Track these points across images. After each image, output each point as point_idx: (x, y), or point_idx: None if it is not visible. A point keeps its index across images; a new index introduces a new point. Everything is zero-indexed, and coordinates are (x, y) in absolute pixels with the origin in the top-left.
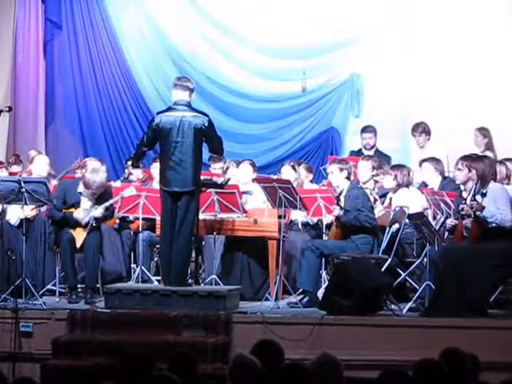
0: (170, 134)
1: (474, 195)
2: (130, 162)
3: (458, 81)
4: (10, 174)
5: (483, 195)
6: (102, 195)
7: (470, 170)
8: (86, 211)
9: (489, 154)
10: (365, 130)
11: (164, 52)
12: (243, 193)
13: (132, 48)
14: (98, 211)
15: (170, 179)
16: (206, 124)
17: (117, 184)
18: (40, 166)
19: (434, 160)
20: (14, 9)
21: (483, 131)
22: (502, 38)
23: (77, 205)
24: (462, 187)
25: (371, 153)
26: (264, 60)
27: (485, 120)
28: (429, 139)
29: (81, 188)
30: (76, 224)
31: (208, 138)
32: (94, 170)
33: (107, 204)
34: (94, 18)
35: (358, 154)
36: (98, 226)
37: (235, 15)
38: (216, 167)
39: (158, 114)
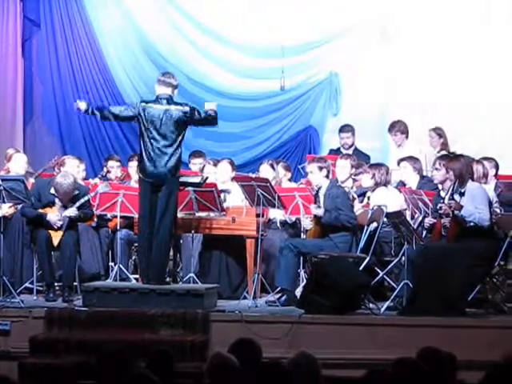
0: (153, 125)
1: (451, 194)
2: (82, 105)
3: (436, 79)
4: None
5: (461, 194)
6: (76, 196)
7: (447, 171)
8: (60, 209)
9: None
10: (342, 129)
11: (142, 50)
12: (222, 191)
13: (110, 46)
14: (71, 211)
15: (151, 170)
16: (188, 111)
17: (95, 181)
18: (18, 165)
19: (412, 159)
20: None
21: (438, 131)
22: (479, 37)
23: (51, 204)
24: (439, 186)
25: (350, 152)
26: (242, 58)
27: (464, 118)
28: (406, 138)
29: (53, 190)
30: (49, 226)
31: (195, 122)
32: (64, 176)
33: (82, 201)
34: (72, 16)
35: (336, 152)
36: (75, 225)
37: (213, 14)
38: (196, 162)
39: (142, 101)
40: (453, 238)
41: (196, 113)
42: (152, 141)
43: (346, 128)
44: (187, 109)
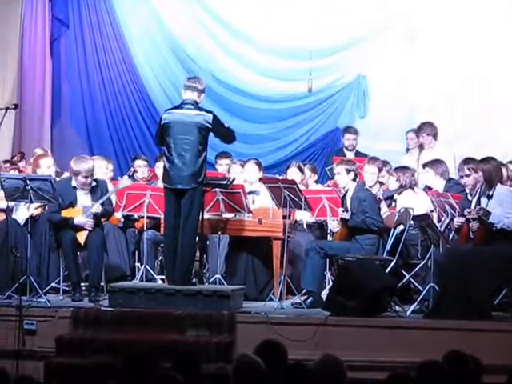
0: (175, 131)
1: (479, 198)
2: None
3: (464, 82)
4: (20, 171)
5: (489, 197)
6: (96, 190)
7: (476, 171)
8: (84, 208)
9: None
10: (348, 130)
11: (170, 51)
12: (250, 193)
13: (138, 47)
14: (96, 207)
15: (174, 177)
16: (210, 120)
17: (124, 178)
18: (44, 170)
19: (434, 164)
20: (22, 7)
21: (415, 132)
22: (503, 37)
23: (74, 202)
24: (467, 190)
25: (352, 154)
26: (270, 60)
27: (491, 120)
28: (435, 139)
29: (74, 182)
30: (80, 229)
31: (215, 132)
32: (78, 159)
33: (105, 197)
34: (100, 16)
35: (338, 153)
36: (101, 224)
37: (242, 15)
38: (222, 163)
39: (165, 111)
40: (479, 241)
41: (219, 122)
42: (175, 147)
43: (350, 129)
44: (210, 116)
